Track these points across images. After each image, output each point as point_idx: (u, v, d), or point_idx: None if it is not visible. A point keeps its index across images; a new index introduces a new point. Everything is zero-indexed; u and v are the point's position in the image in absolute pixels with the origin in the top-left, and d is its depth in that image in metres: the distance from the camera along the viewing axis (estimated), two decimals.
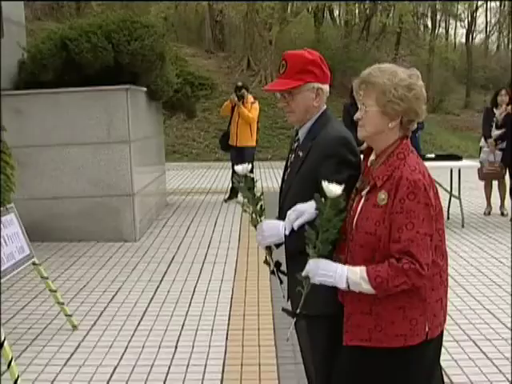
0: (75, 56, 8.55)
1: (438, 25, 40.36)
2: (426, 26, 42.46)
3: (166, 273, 7.33)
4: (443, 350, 2.86)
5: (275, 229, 2.86)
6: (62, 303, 5.58)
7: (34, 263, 5.35)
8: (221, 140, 12.08)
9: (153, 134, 10.76)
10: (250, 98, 11.60)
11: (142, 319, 5.80)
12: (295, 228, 2.77)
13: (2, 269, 4.64)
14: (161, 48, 8.94)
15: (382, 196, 2.57)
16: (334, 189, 2.54)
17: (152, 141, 10.69)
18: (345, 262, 2.64)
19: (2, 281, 4.63)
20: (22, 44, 9.39)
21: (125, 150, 8.71)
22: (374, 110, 2.62)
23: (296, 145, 3.08)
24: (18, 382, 4.36)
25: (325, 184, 2.55)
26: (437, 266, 2.63)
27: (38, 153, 8.69)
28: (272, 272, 3.00)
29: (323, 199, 2.56)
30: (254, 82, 26.33)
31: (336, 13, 38.72)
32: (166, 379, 4.57)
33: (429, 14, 38.95)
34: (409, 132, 2.70)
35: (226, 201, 11.87)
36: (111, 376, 4.64)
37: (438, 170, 10.19)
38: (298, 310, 2.76)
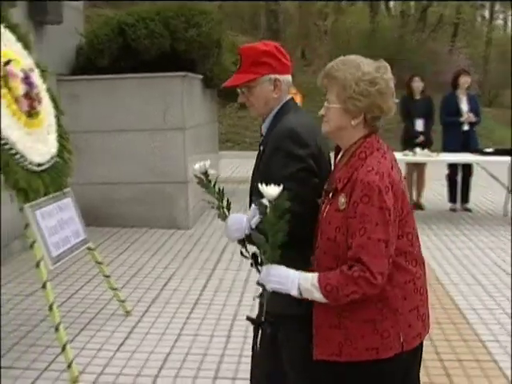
0: (132, 42, 8.57)
1: (495, 16, 39.49)
2: (483, 17, 41.61)
3: (218, 261, 7.30)
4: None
5: (238, 223, 2.73)
6: (116, 289, 5.59)
7: (89, 248, 5.35)
8: None
9: (207, 122, 10.74)
10: (292, 89, 11.50)
11: (194, 307, 5.78)
12: (253, 226, 2.62)
13: (58, 253, 4.64)
14: (218, 35, 8.89)
15: (342, 200, 2.41)
16: (271, 191, 2.35)
17: (206, 128, 10.67)
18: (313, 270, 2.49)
19: (58, 264, 4.64)
20: (80, 30, 9.44)
21: (179, 137, 8.70)
22: (336, 107, 2.46)
23: (261, 139, 2.99)
24: (72, 365, 4.36)
25: (261, 187, 2.38)
26: (408, 273, 2.48)
27: (94, 138, 8.74)
28: (251, 265, 2.83)
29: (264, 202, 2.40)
30: (309, 72, 26.14)
31: (392, 3, 38.19)
32: (218, 368, 4.53)
33: (487, 5, 38.13)
34: (376, 129, 2.52)
35: None
36: (163, 363, 4.62)
37: (496, 164, 10.03)
38: (262, 318, 2.68)
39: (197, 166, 2.87)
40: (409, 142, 10.16)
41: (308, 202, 2.63)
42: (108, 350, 4.85)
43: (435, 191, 11.60)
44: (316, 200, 2.65)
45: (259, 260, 2.66)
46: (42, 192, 4.59)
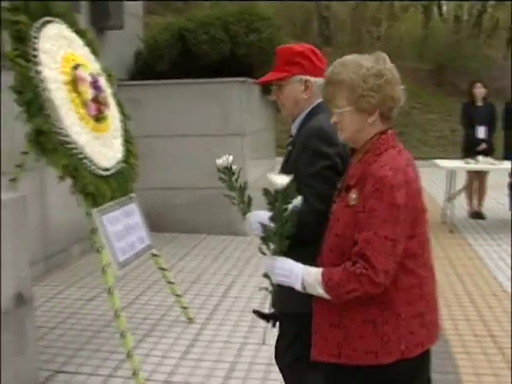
0: (192, 47, 8.57)
1: None
2: None
3: None
4: None
5: (260, 216, 2.73)
6: (179, 295, 5.54)
7: (153, 254, 5.31)
8: None
9: (264, 128, 10.68)
10: None
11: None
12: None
13: (124, 258, 4.60)
14: (278, 40, 8.81)
15: (353, 196, 2.35)
16: (279, 180, 2.32)
17: (263, 135, 10.61)
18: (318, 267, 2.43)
19: (123, 271, 4.61)
20: (139, 35, 9.47)
21: (238, 142, 8.65)
22: (348, 110, 2.39)
23: (290, 140, 3.00)
24: (138, 372, 4.31)
25: (270, 176, 2.35)
26: (416, 276, 2.38)
27: (154, 143, 8.73)
28: None
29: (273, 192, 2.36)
30: None
31: (445, 8, 37.69)
32: None
33: None
34: (392, 124, 2.46)
35: None
36: (229, 372, 4.54)
37: None
38: (268, 311, 2.64)
39: (220, 160, 2.90)
40: (470, 149, 9.92)
41: (331, 200, 2.58)
42: (173, 358, 4.79)
43: (496, 200, 11.34)
44: None
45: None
46: (108, 197, 4.56)
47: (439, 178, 11.65)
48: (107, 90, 4.99)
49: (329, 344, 2.43)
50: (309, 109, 2.92)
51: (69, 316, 5.66)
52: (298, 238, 2.46)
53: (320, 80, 2.83)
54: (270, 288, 2.53)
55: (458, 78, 24.84)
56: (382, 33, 28.05)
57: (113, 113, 5.03)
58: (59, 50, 4.49)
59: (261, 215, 2.73)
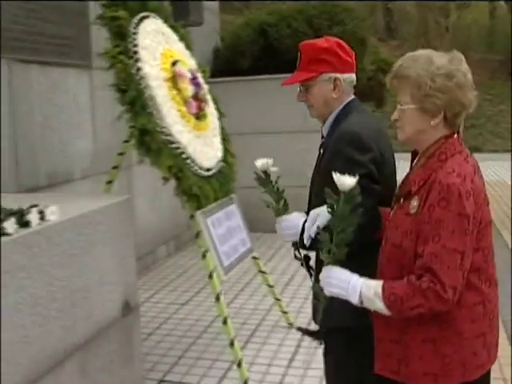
0: (274, 42, 8.33)
1: None
2: None
3: None
4: None
5: (294, 227, 2.65)
6: (279, 299, 5.31)
7: (253, 257, 5.10)
8: None
9: None
10: None
11: None
12: (312, 235, 2.51)
13: (228, 262, 4.40)
14: (362, 33, 8.54)
15: (415, 203, 2.20)
16: (347, 181, 2.18)
17: None
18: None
19: (229, 275, 4.40)
20: (217, 32, 9.31)
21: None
22: (411, 108, 2.23)
23: (321, 141, 2.83)
24: (248, 383, 4.11)
25: (336, 176, 2.21)
26: (480, 293, 2.22)
27: (236, 141, 8.50)
28: (301, 264, 2.76)
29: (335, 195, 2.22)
30: None
31: None
32: None
33: None
34: (457, 128, 2.27)
35: None
36: None
37: None
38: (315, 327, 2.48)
39: (259, 162, 2.71)
40: None
41: (368, 210, 2.42)
42: (279, 366, 4.57)
43: None
44: (377, 208, 2.52)
45: (312, 263, 2.62)
46: (212, 198, 4.37)
47: None
48: (205, 87, 4.79)
49: (390, 360, 2.32)
50: (340, 108, 2.75)
51: (164, 321, 5.50)
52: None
53: (350, 76, 2.75)
54: (323, 300, 2.35)
55: None
56: (450, 23, 27.34)
57: (211, 110, 4.83)
58: (158, 45, 4.32)
59: (296, 222, 2.65)
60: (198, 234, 4.22)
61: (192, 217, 4.21)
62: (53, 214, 2.96)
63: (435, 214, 2.11)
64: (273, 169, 2.75)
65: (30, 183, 4.93)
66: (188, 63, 4.61)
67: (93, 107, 5.94)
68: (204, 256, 4.20)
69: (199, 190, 4.14)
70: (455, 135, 2.28)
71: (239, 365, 4.13)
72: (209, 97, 4.86)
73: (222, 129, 5.02)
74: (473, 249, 2.16)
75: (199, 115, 4.45)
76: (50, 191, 5.16)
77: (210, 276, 4.18)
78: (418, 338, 2.22)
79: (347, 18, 8.32)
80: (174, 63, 4.35)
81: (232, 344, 4.14)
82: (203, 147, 4.40)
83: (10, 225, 2.65)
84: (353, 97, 2.78)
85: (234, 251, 4.54)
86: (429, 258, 2.10)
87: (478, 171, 2.28)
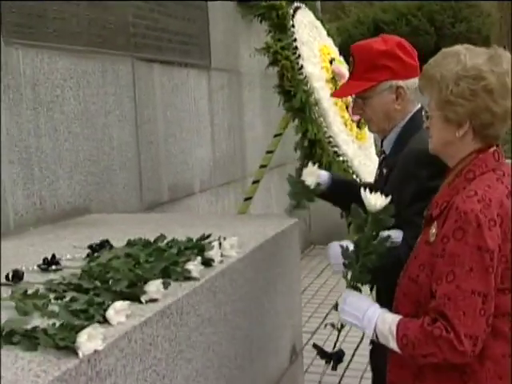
0: None
1: None
2: None
3: None
4: None
5: (336, 256, 2.21)
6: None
7: None
8: None
9: None
10: None
11: None
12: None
13: None
14: (487, 30, 7.83)
15: (433, 230, 1.86)
16: (375, 200, 1.95)
17: None
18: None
19: None
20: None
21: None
22: (437, 115, 1.88)
23: (382, 158, 2.50)
24: None
25: (364, 193, 1.97)
26: (509, 343, 1.83)
27: None
28: None
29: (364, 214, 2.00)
30: None
31: None
32: None
33: None
34: (492, 140, 1.88)
35: None
36: None
37: None
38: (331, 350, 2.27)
39: (309, 179, 2.46)
40: None
41: (408, 242, 2.12)
42: None
43: None
44: None
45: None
46: None
47: None
48: None
49: None
50: (404, 121, 2.38)
51: None
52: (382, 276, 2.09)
53: (415, 81, 2.25)
54: (339, 325, 2.18)
55: None
56: None
57: None
58: (314, 41, 3.71)
59: (337, 248, 2.19)
60: None
61: None
62: (232, 247, 2.38)
63: (449, 247, 1.77)
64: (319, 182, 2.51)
65: (153, 199, 4.38)
66: (342, 61, 3.99)
67: (211, 112, 5.37)
68: None
69: None
70: (491, 149, 1.89)
71: None
72: None
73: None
74: (499, 289, 1.80)
75: (360, 122, 3.82)
76: (172, 207, 4.61)
77: None
78: None
79: (471, 15, 7.61)
80: (331, 61, 3.74)
81: None
82: (366, 160, 3.78)
83: (195, 267, 2.06)
84: (419, 106, 2.39)
85: None
86: (442, 300, 1.77)
87: None
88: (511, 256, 1.81)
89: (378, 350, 2.28)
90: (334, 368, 2.39)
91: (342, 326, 2.20)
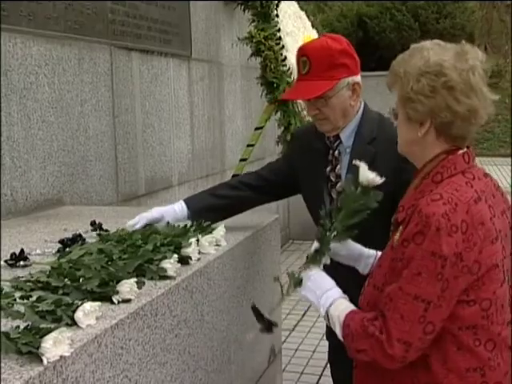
0: (375, 36, 7.60)
1: None
2: None
3: None
4: None
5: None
6: None
7: None
8: None
9: None
10: None
11: None
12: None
13: None
14: (471, 27, 7.78)
15: (397, 236, 1.76)
16: (370, 175, 1.92)
17: None
18: None
19: None
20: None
21: None
22: (400, 113, 1.79)
23: (336, 154, 2.42)
24: None
25: (362, 166, 1.93)
26: (475, 357, 1.72)
27: None
28: None
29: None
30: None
31: None
32: None
33: None
34: (460, 141, 1.77)
35: None
36: None
37: None
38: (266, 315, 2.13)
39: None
40: None
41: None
42: None
43: None
44: None
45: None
46: None
47: None
48: None
49: None
50: (359, 116, 2.38)
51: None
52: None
53: (360, 77, 2.36)
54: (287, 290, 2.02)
55: None
56: None
57: None
58: (298, 32, 3.60)
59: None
60: None
61: None
62: (211, 244, 2.28)
63: (408, 251, 1.68)
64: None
65: (130, 191, 4.26)
66: None
67: (191, 103, 5.25)
68: None
69: None
70: (461, 151, 1.78)
71: None
72: None
73: None
74: (462, 301, 1.70)
75: None
76: (149, 200, 4.49)
77: None
78: None
79: (456, 11, 7.55)
80: None
81: None
82: None
83: (171, 265, 1.96)
84: (362, 101, 2.40)
85: None
86: (385, 299, 1.72)
87: (491, 199, 1.77)
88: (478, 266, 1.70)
89: (337, 364, 2.28)
90: (264, 330, 2.27)
91: (278, 279, 2.15)
